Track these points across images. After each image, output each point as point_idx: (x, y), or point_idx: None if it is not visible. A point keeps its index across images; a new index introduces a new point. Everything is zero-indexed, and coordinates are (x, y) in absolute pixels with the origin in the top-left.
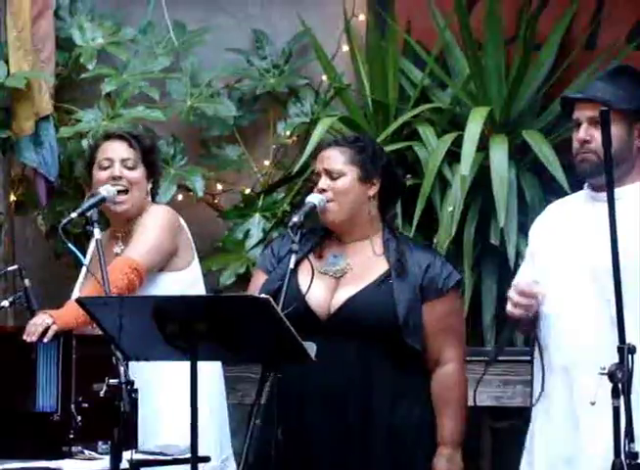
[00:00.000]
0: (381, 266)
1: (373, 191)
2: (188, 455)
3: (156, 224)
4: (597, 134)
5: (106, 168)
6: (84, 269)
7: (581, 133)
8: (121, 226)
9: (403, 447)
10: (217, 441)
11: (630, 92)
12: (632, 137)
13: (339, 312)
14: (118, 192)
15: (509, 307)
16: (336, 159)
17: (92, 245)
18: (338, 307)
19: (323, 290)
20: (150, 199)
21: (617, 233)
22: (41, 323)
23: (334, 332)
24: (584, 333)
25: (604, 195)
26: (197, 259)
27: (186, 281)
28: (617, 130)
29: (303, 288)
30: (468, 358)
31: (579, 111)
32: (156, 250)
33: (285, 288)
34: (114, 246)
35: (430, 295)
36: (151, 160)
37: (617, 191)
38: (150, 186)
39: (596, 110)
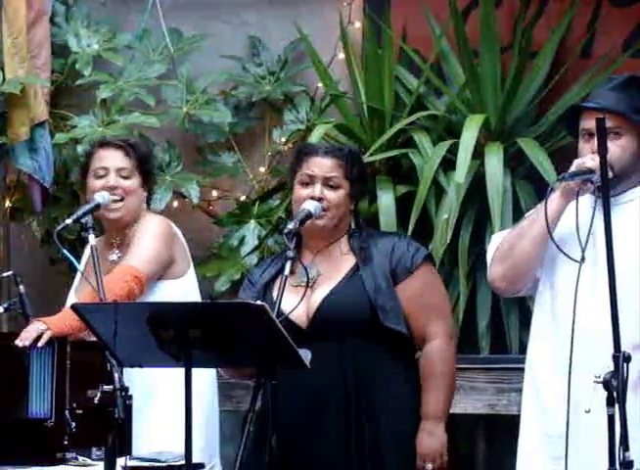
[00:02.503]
0: (349, 262)
1: (353, 205)
2: (182, 462)
3: (152, 234)
4: (611, 145)
5: (101, 177)
6: (79, 275)
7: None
8: (117, 233)
9: (401, 441)
10: (206, 448)
11: None
12: None
13: (316, 315)
14: (114, 201)
15: (585, 158)
16: (334, 170)
17: (87, 251)
18: (314, 311)
19: (299, 301)
20: (145, 206)
21: (612, 235)
22: (35, 329)
23: (318, 336)
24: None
25: (615, 199)
26: (192, 267)
27: (183, 288)
28: (630, 142)
29: (283, 307)
30: (462, 366)
31: (591, 120)
32: (154, 259)
33: (280, 295)
34: (110, 253)
35: (401, 275)
36: (146, 168)
37: (628, 193)
38: (145, 194)
39: (610, 120)
